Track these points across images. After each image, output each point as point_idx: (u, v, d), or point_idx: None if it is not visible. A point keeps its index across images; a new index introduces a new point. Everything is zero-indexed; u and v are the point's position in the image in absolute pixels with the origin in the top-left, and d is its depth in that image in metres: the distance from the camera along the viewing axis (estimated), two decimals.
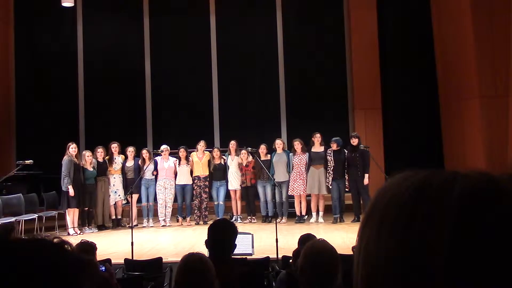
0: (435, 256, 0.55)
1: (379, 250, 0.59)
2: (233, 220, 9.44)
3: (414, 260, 0.56)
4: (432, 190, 0.58)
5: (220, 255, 3.03)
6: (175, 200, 9.94)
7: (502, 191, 0.57)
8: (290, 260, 4.38)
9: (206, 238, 3.14)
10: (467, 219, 0.55)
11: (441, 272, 0.55)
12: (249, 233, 6.28)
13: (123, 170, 9.85)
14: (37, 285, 0.68)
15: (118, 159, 9.86)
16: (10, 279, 0.67)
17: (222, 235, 3.12)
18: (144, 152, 9.85)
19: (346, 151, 9.49)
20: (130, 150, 9.88)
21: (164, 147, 9.85)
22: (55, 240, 0.74)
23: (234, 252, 3.20)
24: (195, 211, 9.84)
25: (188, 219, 9.91)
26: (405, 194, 0.59)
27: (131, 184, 9.20)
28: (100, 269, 3.60)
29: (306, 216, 9.74)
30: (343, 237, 7.68)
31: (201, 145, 10.00)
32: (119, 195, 9.77)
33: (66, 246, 0.75)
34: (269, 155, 9.83)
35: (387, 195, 0.61)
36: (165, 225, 9.73)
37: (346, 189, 9.49)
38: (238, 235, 3.25)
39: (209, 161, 9.95)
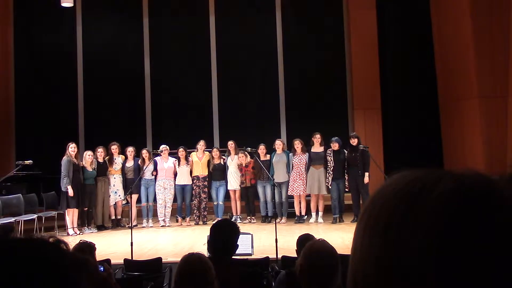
0: (425, 256, 0.55)
1: (370, 251, 0.59)
2: (232, 220, 9.43)
3: (403, 260, 0.56)
4: (419, 190, 0.58)
5: (221, 256, 3.03)
6: (175, 200, 9.93)
7: (488, 191, 0.57)
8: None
9: (208, 238, 3.14)
10: (452, 219, 0.55)
11: (432, 272, 0.54)
12: (248, 233, 6.28)
13: (123, 170, 9.85)
14: (33, 284, 0.68)
15: (118, 160, 9.85)
16: (6, 279, 0.67)
17: (224, 236, 3.12)
18: (144, 152, 9.84)
19: (345, 151, 9.49)
20: (130, 150, 9.88)
21: (163, 147, 9.84)
22: (51, 239, 0.74)
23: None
24: (195, 211, 9.83)
25: (187, 219, 9.90)
26: (394, 195, 0.59)
27: (131, 184, 9.20)
28: (99, 269, 3.60)
29: (306, 216, 9.73)
30: (342, 237, 7.68)
31: (201, 144, 9.99)
32: (119, 195, 9.76)
33: (62, 245, 0.75)
34: (268, 155, 9.82)
35: (379, 195, 0.61)
36: (165, 225, 9.73)
37: (346, 189, 9.49)
38: None
39: (208, 161, 9.95)
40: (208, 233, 3.27)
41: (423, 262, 0.55)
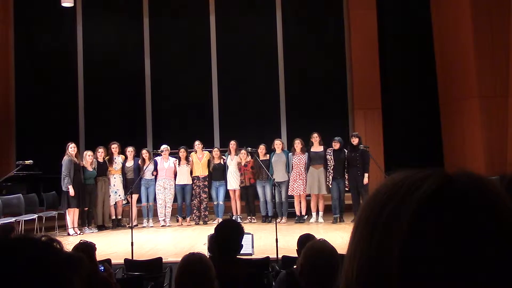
0: (391, 256, 0.55)
1: (359, 250, 0.60)
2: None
3: (374, 260, 0.57)
4: (406, 190, 0.58)
5: (225, 255, 3.04)
6: (175, 200, 9.93)
7: (471, 193, 0.57)
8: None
9: (212, 238, 3.15)
10: (420, 219, 0.55)
11: (396, 273, 0.55)
12: (249, 233, 6.27)
13: (123, 170, 9.85)
14: (26, 282, 0.68)
15: (118, 159, 9.85)
16: None
17: (229, 236, 3.13)
18: (144, 152, 9.84)
19: (346, 151, 9.49)
20: (130, 150, 9.88)
21: (164, 147, 9.84)
22: (43, 238, 0.75)
23: None
24: (195, 211, 9.83)
25: (188, 219, 9.91)
26: (383, 195, 0.60)
27: (131, 184, 9.20)
28: (99, 269, 3.60)
29: (306, 216, 9.73)
30: (343, 237, 7.66)
31: (197, 144, 9.98)
32: (119, 195, 9.76)
33: (55, 244, 0.75)
34: (267, 155, 9.82)
35: (372, 196, 0.62)
36: (165, 225, 9.72)
37: (346, 189, 9.49)
38: None
39: (209, 161, 9.95)
40: (209, 233, 3.28)
41: (389, 262, 0.55)
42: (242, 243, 3.19)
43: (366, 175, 9.20)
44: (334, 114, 11.97)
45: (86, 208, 9.35)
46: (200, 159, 9.93)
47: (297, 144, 9.63)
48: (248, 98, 12.22)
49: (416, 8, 11.88)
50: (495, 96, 10.14)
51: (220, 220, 9.04)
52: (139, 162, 9.81)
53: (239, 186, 9.88)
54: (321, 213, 9.63)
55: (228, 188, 9.93)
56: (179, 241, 8.21)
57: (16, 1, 12.34)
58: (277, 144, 9.81)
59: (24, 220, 8.83)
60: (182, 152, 9.83)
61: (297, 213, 9.68)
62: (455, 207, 0.55)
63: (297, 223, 9.52)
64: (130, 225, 7.00)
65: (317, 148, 9.62)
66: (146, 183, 9.77)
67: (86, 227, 9.33)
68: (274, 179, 9.11)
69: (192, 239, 8.19)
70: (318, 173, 9.51)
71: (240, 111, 12.08)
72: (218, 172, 9.91)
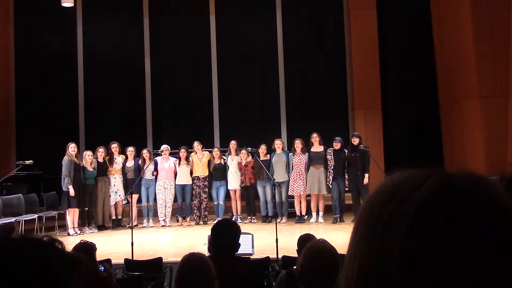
0: (391, 256, 0.55)
1: (360, 249, 0.60)
2: (233, 220, 9.43)
3: (374, 260, 0.57)
4: (407, 190, 0.58)
5: (223, 255, 3.04)
6: (175, 200, 9.93)
7: (456, 192, 0.57)
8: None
9: (210, 238, 3.15)
10: (420, 219, 0.55)
11: (396, 273, 0.55)
12: (249, 233, 6.28)
13: (123, 170, 9.85)
14: (27, 283, 0.68)
15: (119, 159, 9.85)
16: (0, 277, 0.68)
17: (226, 234, 3.13)
18: (144, 152, 9.84)
19: (346, 151, 9.49)
20: (130, 150, 9.88)
21: (164, 147, 9.84)
22: (45, 238, 0.75)
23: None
24: (195, 211, 9.84)
25: (188, 219, 9.91)
26: (384, 195, 0.60)
27: (131, 184, 9.20)
28: (99, 269, 3.60)
29: (306, 216, 9.74)
30: (343, 237, 7.62)
31: (195, 145, 9.98)
32: (119, 195, 9.76)
33: (56, 244, 0.75)
34: (268, 155, 9.83)
35: (373, 195, 0.62)
36: (165, 225, 9.73)
37: (346, 189, 9.49)
38: None
39: (209, 161, 9.95)
40: (209, 233, 3.28)
41: (389, 262, 0.55)
42: (240, 242, 3.20)
43: (366, 175, 9.20)
44: (334, 114, 11.97)
45: (86, 208, 9.35)
46: (200, 159, 9.93)
47: (298, 144, 9.63)
48: (248, 98, 12.23)
49: (416, 8, 11.87)
50: (495, 96, 10.14)
51: None
52: (140, 162, 9.81)
53: (240, 186, 9.88)
54: (321, 213, 9.63)
55: (228, 188, 9.93)
56: (179, 241, 8.21)
57: (16, 1, 12.33)
58: (278, 144, 9.81)
59: (24, 220, 8.83)
60: (182, 152, 9.84)
61: (297, 213, 9.68)
62: (455, 207, 0.55)
63: (297, 223, 9.52)
64: (130, 225, 7.00)
65: (317, 148, 9.62)
66: (146, 183, 9.78)
67: (86, 227, 9.33)
68: (274, 179, 9.11)
69: (192, 239, 8.19)
70: (318, 173, 9.51)
71: (240, 111, 12.07)
72: (218, 172, 9.91)
